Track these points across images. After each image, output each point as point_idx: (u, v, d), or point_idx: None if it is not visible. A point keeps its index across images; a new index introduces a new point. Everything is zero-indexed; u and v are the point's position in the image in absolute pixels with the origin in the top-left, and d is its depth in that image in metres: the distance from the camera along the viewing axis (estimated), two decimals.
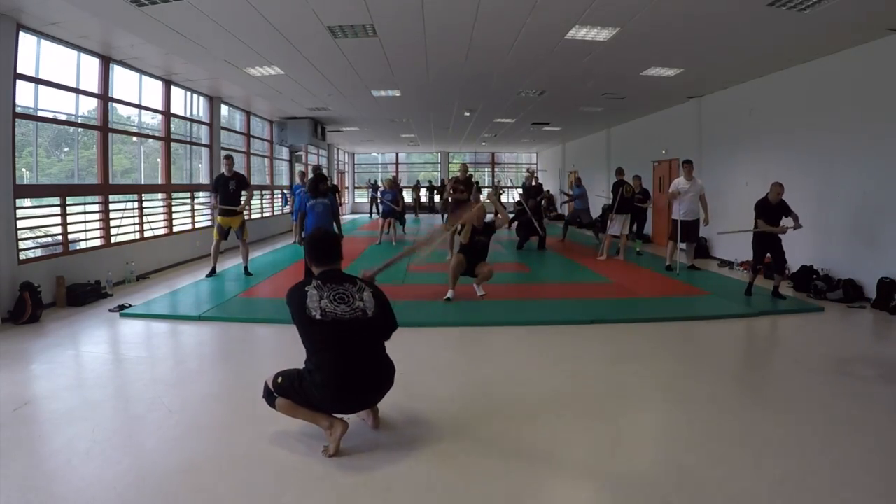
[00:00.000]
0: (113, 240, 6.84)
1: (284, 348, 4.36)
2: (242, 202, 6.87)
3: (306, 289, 2.54)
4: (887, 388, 3.34)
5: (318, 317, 2.46)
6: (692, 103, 9.65)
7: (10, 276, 5.05)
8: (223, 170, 6.89)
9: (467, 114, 12.05)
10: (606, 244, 8.75)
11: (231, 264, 7.60)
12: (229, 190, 6.77)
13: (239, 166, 11.66)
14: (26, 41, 5.45)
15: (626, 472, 2.38)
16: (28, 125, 5.78)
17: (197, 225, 9.09)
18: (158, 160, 8.44)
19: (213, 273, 6.80)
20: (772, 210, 5.66)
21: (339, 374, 2.47)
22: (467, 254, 5.65)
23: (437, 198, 22.64)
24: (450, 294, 5.59)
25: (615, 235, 8.67)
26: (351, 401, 2.57)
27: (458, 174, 9.11)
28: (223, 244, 7.09)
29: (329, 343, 2.49)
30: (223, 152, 8.98)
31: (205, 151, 9.83)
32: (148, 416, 2.96)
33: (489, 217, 6.07)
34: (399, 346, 4.23)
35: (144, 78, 7.74)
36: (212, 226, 6.77)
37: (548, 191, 13.95)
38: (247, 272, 6.96)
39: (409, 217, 15.03)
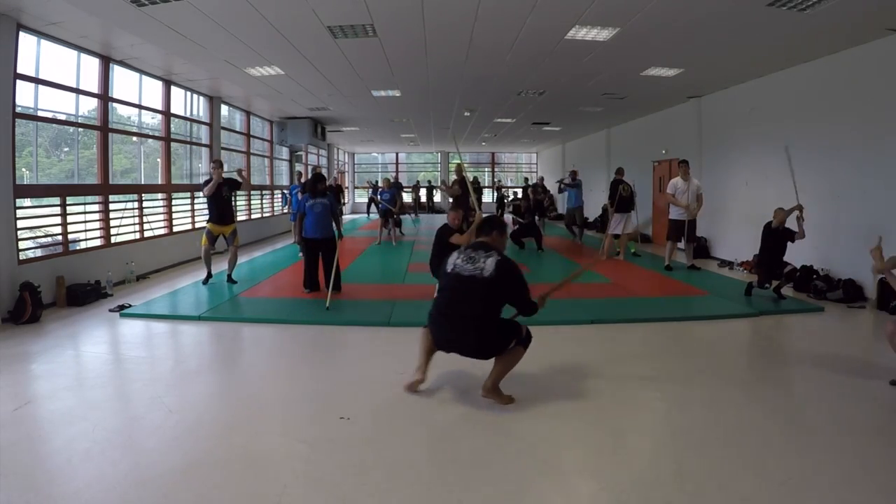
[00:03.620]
0: (113, 240, 6.84)
1: (285, 348, 4.38)
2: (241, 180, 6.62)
3: (454, 252, 3.25)
4: (887, 387, 3.34)
5: (448, 269, 3.14)
6: (692, 103, 9.65)
7: (10, 276, 5.05)
8: (212, 176, 6.38)
9: (467, 114, 12.05)
10: (606, 244, 8.75)
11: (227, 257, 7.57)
12: (223, 197, 6.42)
13: (239, 166, 11.74)
14: (26, 41, 5.45)
15: (626, 473, 2.38)
16: (28, 125, 5.78)
17: (197, 225, 9.09)
18: (158, 160, 8.44)
19: (209, 279, 6.47)
20: (775, 235, 5.71)
21: (439, 310, 3.14)
22: None
23: (437, 198, 22.77)
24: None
25: (615, 235, 8.68)
26: (437, 334, 3.15)
27: (454, 175, 9.23)
28: (215, 247, 6.76)
29: (445, 286, 3.17)
30: (212, 159, 8.37)
31: (205, 151, 9.84)
32: (148, 416, 2.96)
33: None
34: (399, 345, 4.27)
35: (144, 78, 7.74)
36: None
37: (548, 191, 13.95)
38: (230, 279, 6.51)
39: (409, 217, 15.05)
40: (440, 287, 3.23)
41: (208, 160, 9.74)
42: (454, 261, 3.13)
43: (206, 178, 6.55)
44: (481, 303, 2.99)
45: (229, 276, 6.60)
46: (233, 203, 6.63)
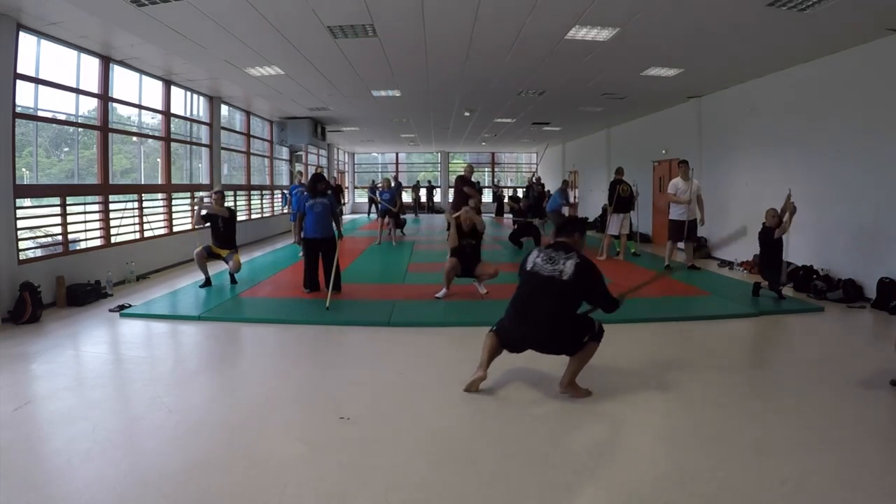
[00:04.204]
0: (113, 240, 6.84)
1: (285, 348, 4.38)
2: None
3: (533, 250, 3.34)
4: (887, 388, 3.34)
5: (528, 268, 3.22)
6: (692, 103, 9.66)
7: (10, 276, 5.05)
8: (212, 205, 6.37)
9: (467, 114, 12.05)
10: (606, 244, 8.75)
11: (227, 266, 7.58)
12: (220, 229, 6.30)
13: (239, 166, 11.74)
14: (26, 41, 5.44)
15: (627, 473, 2.38)
16: (28, 125, 5.78)
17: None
18: (158, 160, 8.44)
19: (207, 283, 6.26)
20: (776, 239, 5.72)
21: (515, 307, 3.20)
22: (459, 257, 5.67)
23: (437, 197, 22.80)
24: (441, 293, 5.67)
25: (614, 235, 8.67)
26: (511, 331, 3.19)
27: (464, 173, 8.99)
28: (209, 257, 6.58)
29: (523, 284, 3.23)
30: (214, 189, 7.80)
31: (205, 151, 9.84)
32: (148, 416, 2.95)
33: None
34: (399, 345, 4.27)
35: (144, 78, 7.74)
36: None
37: (548, 191, 13.98)
38: (232, 280, 6.51)
39: (409, 217, 15.06)
40: (519, 284, 3.29)
41: (208, 162, 9.74)
42: (534, 259, 3.21)
43: (206, 200, 6.69)
44: (558, 302, 3.07)
45: (231, 276, 6.60)
46: (234, 231, 6.50)
